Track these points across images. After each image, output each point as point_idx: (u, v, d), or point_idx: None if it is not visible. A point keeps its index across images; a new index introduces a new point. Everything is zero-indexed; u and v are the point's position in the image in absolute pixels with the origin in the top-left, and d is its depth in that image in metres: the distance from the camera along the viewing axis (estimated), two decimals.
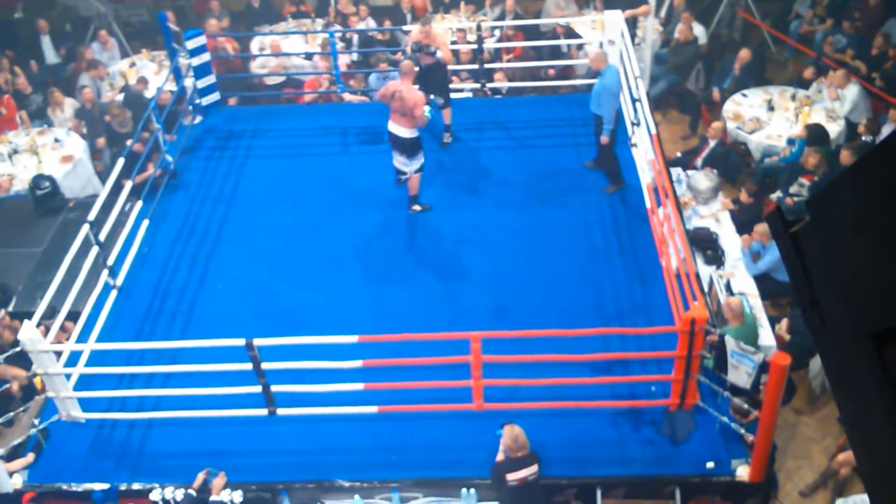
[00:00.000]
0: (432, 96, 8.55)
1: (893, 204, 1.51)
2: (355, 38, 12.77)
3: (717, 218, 9.18)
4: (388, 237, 8.62)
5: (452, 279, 8.08)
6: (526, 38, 11.99)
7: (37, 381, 7.05)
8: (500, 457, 6.10)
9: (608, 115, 8.40)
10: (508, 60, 11.75)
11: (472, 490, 6.33)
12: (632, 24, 10.16)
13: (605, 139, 8.53)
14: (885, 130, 9.78)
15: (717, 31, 13.46)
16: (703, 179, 9.51)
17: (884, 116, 10.23)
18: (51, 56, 13.19)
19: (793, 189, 9.50)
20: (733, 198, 9.59)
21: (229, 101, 11.27)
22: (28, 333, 6.40)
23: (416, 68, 8.55)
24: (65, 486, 6.56)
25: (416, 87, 8.45)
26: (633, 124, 9.14)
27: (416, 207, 8.90)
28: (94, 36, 13.73)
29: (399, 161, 8.51)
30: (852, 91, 10.64)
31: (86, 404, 6.96)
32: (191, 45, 10.11)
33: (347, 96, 11.20)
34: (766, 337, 7.78)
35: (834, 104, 10.71)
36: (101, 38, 12.97)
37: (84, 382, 7.09)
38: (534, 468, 6.02)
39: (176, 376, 6.89)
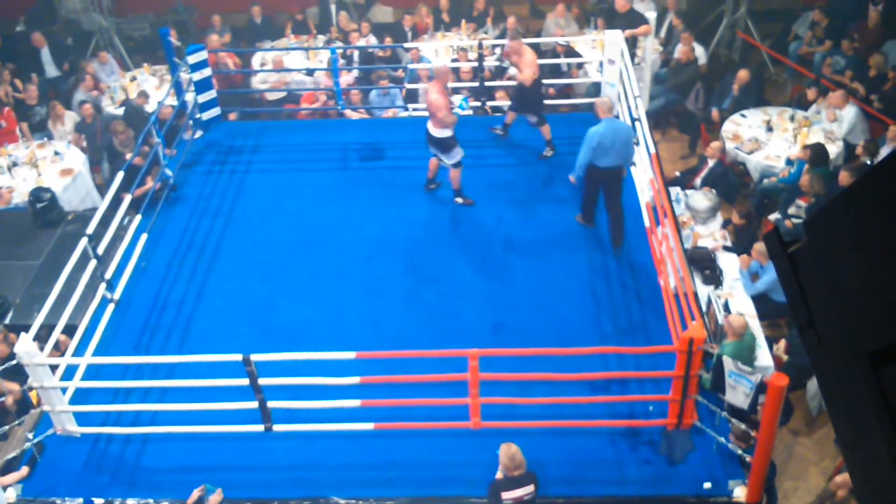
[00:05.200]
0: (463, 95, 8.75)
1: (890, 224, 1.51)
2: (356, 54, 12.82)
3: (714, 237, 9.20)
4: (386, 253, 8.62)
5: (450, 296, 8.07)
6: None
7: (32, 394, 7.03)
8: (498, 475, 6.08)
9: (578, 161, 8.07)
10: (509, 79, 11.79)
11: None
12: (632, 43, 10.21)
13: (571, 178, 8.33)
14: (884, 152, 9.81)
15: (717, 52, 13.54)
16: (702, 199, 9.54)
17: (882, 138, 10.27)
18: (51, 69, 13.24)
19: (791, 210, 9.52)
20: (726, 219, 9.60)
21: (230, 116, 11.30)
22: (24, 346, 6.38)
23: (450, 73, 8.95)
24: (59, 501, 6.51)
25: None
26: (633, 143, 9.15)
27: (458, 200, 9.13)
28: (95, 51, 13.79)
29: (438, 154, 8.87)
30: (850, 112, 10.68)
31: (81, 418, 6.93)
32: (192, 59, 10.14)
33: (348, 112, 11.23)
34: (764, 357, 7.78)
35: (832, 125, 10.75)
36: (101, 58, 13.03)
37: (80, 396, 7.07)
38: (530, 488, 5.99)
39: (172, 391, 6.86)
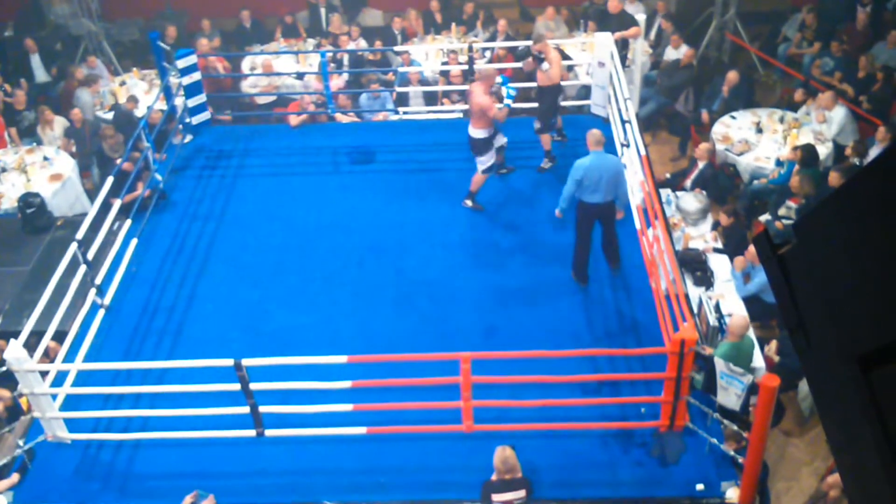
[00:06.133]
0: (509, 86, 8.71)
1: (880, 225, 1.51)
2: (346, 58, 12.82)
3: (705, 239, 9.22)
4: (377, 257, 8.61)
5: (442, 299, 8.06)
6: (516, 59, 12.03)
7: (23, 401, 6.99)
8: (493, 477, 6.08)
9: (563, 193, 7.78)
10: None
11: None
12: (622, 46, 10.22)
13: (557, 212, 7.98)
14: (873, 153, 9.85)
15: (706, 54, 13.58)
16: (693, 201, 9.56)
17: (871, 139, 10.32)
18: (40, 75, 13.20)
19: (781, 212, 9.55)
20: (716, 220, 9.62)
21: (220, 119, 11.27)
22: (14, 353, 6.35)
23: (496, 74, 8.87)
24: None
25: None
26: (622, 146, 9.17)
27: (468, 203, 9.10)
28: (84, 55, 13.75)
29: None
30: (839, 113, 10.73)
31: (72, 425, 6.90)
32: (181, 63, 10.12)
33: (339, 116, 11.22)
34: (756, 358, 7.80)
35: (822, 126, 10.79)
36: (90, 63, 13.01)
37: (71, 402, 7.04)
38: (521, 493, 5.98)
39: (163, 396, 6.83)
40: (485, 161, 8.75)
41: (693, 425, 6.55)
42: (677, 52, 12.31)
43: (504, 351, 6.71)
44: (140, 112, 11.49)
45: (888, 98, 11.01)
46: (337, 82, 11.92)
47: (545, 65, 8.95)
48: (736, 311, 8.13)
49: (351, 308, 8.02)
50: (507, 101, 8.46)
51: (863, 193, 1.58)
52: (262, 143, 10.65)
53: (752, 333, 7.97)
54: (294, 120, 10.86)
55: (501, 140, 8.91)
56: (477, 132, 8.62)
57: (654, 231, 7.77)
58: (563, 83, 9.49)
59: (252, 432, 6.66)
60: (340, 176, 9.94)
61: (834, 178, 9.27)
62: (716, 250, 9.09)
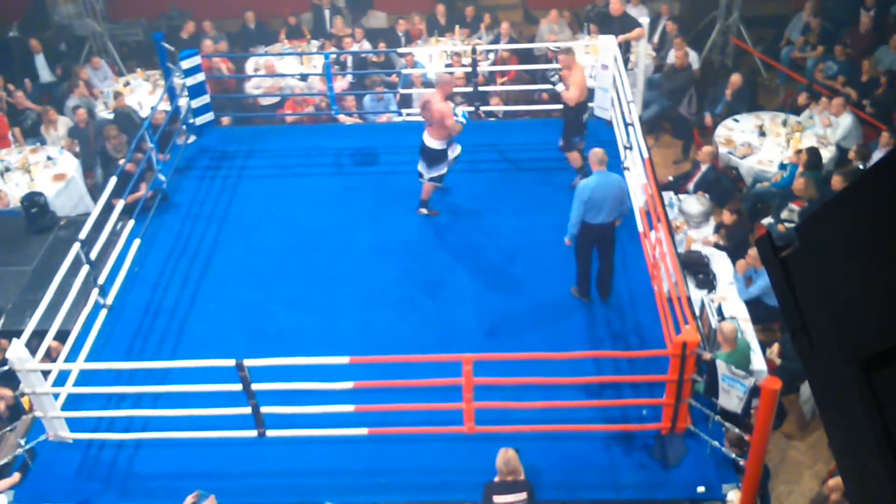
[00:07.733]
0: (464, 109, 8.72)
1: (882, 229, 1.52)
2: (350, 59, 12.83)
3: (708, 242, 9.22)
4: (380, 258, 8.61)
5: (444, 301, 8.07)
6: (520, 62, 12.05)
7: (24, 400, 7.00)
8: (496, 478, 6.08)
9: (571, 218, 7.54)
10: (502, 83, 11.80)
11: None
12: (625, 48, 10.23)
13: (566, 240, 7.70)
14: (876, 156, 9.84)
15: (710, 57, 13.59)
16: (695, 204, 9.56)
17: (874, 143, 10.31)
18: (45, 75, 13.22)
19: (784, 215, 9.54)
20: (718, 223, 9.60)
21: (223, 121, 11.28)
22: (16, 352, 6.36)
23: (452, 81, 8.78)
24: None
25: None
26: (625, 148, 9.18)
27: (423, 211, 9.07)
28: (88, 56, 13.78)
29: (420, 165, 8.76)
30: (846, 120, 10.71)
31: (74, 424, 6.91)
32: (185, 64, 10.13)
33: (342, 117, 11.23)
34: (758, 361, 7.79)
35: (825, 130, 10.78)
36: (94, 63, 13.03)
37: (72, 402, 7.04)
38: (522, 496, 5.98)
39: (165, 396, 6.83)
40: (438, 170, 8.67)
41: (695, 428, 6.55)
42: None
43: (506, 352, 6.70)
44: (143, 113, 11.49)
45: (891, 102, 11.00)
46: (340, 84, 11.94)
47: (560, 86, 8.90)
48: (735, 314, 8.13)
49: (353, 309, 8.03)
50: (460, 118, 8.39)
51: (865, 197, 1.58)
52: (265, 144, 10.66)
53: (748, 333, 7.96)
54: (290, 116, 10.85)
55: (456, 150, 8.78)
56: (434, 143, 8.50)
57: (656, 234, 7.77)
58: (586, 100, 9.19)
59: (254, 433, 6.66)
60: (343, 177, 9.94)
61: (837, 182, 9.26)
62: (717, 246, 9.10)
